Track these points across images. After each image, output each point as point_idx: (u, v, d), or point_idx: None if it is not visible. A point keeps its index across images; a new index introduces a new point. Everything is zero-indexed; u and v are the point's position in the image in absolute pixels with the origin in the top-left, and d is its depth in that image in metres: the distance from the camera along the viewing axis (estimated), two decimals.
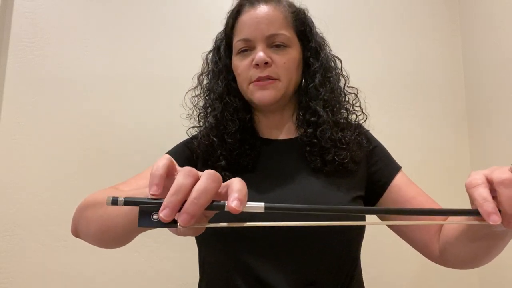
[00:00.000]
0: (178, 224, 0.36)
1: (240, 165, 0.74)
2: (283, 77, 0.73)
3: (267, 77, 0.72)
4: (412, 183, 0.76)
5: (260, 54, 0.71)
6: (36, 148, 1.32)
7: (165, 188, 0.38)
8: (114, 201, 0.38)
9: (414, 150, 1.43)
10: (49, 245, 1.27)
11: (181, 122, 0.84)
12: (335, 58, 0.82)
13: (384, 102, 1.46)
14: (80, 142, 1.34)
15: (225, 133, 0.75)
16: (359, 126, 0.80)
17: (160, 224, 0.37)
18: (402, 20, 1.52)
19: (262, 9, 0.73)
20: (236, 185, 0.38)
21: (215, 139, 0.75)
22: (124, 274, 1.28)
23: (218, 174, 0.39)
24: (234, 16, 0.76)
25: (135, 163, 1.33)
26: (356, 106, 0.81)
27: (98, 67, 1.39)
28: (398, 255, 1.36)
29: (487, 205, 0.39)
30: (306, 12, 0.80)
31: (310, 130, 0.74)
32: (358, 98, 0.81)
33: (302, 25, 0.77)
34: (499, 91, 1.29)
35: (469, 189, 0.42)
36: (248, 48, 0.73)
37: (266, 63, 0.71)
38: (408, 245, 0.75)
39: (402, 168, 0.78)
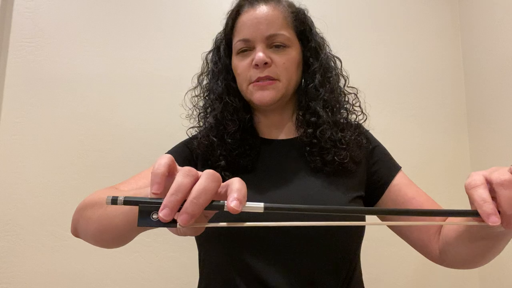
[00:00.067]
0: (178, 223, 0.36)
1: (240, 165, 0.74)
2: (282, 77, 0.73)
3: (267, 77, 0.71)
4: (412, 183, 0.76)
5: (259, 55, 0.70)
6: (36, 148, 1.32)
7: (165, 187, 0.38)
8: (114, 201, 0.38)
9: (414, 151, 1.43)
10: (49, 245, 1.27)
11: (181, 122, 0.84)
12: (335, 58, 0.82)
13: (384, 102, 1.46)
14: (80, 142, 1.34)
15: (225, 133, 0.75)
16: (359, 126, 0.80)
17: (160, 223, 0.37)
18: (402, 21, 1.52)
19: (262, 9, 0.73)
20: (236, 185, 0.38)
21: (214, 139, 0.75)
22: (124, 274, 1.28)
23: (217, 174, 0.39)
24: (234, 16, 0.76)
25: (134, 163, 1.33)
26: (356, 106, 0.81)
27: (98, 67, 1.39)
28: (398, 255, 1.36)
29: (486, 206, 0.39)
30: (306, 12, 0.80)
31: (310, 130, 0.74)
32: (358, 98, 0.81)
33: (301, 25, 0.77)
34: (499, 91, 1.29)
35: (468, 190, 0.42)
36: (248, 48, 0.73)
37: (265, 63, 0.71)
38: (408, 245, 0.75)
39: (402, 168, 0.78)
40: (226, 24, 0.79)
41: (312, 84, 0.76)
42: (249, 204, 0.38)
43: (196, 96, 0.84)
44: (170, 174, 0.39)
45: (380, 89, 1.46)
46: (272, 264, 0.65)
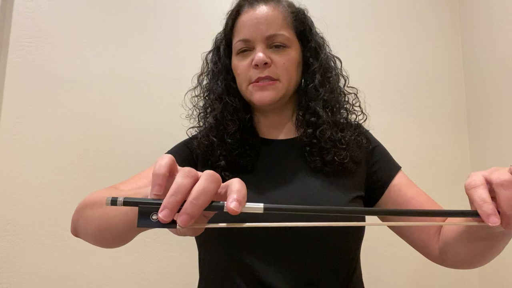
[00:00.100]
0: (177, 224, 0.36)
1: (240, 165, 0.74)
2: (282, 77, 0.73)
3: (267, 77, 0.71)
4: (412, 183, 0.76)
5: (259, 55, 0.70)
6: (36, 147, 1.32)
7: (165, 188, 0.38)
8: (114, 202, 0.38)
9: (414, 151, 1.43)
10: (49, 245, 1.27)
11: (181, 122, 0.84)
12: (335, 58, 0.82)
13: (384, 102, 1.46)
14: (80, 142, 1.34)
15: (225, 133, 0.75)
16: (358, 126, 0.80)
17: (159, 224, 0.37)
18: (402, 20, 1.52)
19: (262, 10, 0.72)
20: (235, 185, 0.38)
21: (214, 139, 0.75)
22: (124, 274, 1.28)
23: (217, 175, 0.39)
24: (234, 16, 0.76)
25: (134, 163, 1.33)
26: (356, 106, 0.81)
27: (98, 67, 1.39)
28: (398, 255, 1.36)
29: (486, 206, 0.39)
30: (305, 12, 0.80)
31: (309, 130, 0.74)
32: (358, 98, 0.81)
33: (301, 25, 0.77)
34: (499, 91, 1.29)
35: (468, 190, 0.42)
36: (248, 48, 0.73)
37: (265, 63, 0.71)
38: (408, 245, 0.75)
39: (402, 168, 0.78)
40: (226, 24, 0.79)
41: (312, 84, 0.76)
42: (248, 204, 0.38)
43: (196, 96, 0.84)
44: (170, 175, 0.39)
45: (380, 89, 1.46)
46: (272, 264, 0.65)
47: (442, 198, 1.35)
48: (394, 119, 1.45)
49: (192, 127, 0.84)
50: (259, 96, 0.72)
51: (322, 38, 0.82)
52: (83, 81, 1.37)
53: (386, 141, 0.83)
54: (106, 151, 1.34)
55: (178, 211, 0.37)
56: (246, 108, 0.79)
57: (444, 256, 0.67)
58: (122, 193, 0.48)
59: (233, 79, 0.78)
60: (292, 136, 0.79)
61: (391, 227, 0.82)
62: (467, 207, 0.45)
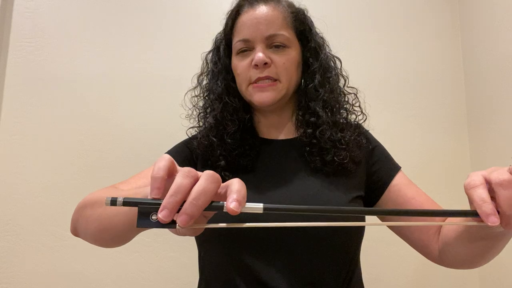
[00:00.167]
0: (177, 224, 0.36)
1: (240, 165, 0.74)
2: (282, 77, 0.73)
3: (267, 77, 0.71)
4: (411, 183, 0.76)
5: (259, 55, 0.70)
6: (36, 148, 1.32)
7: (165, 188, 0.38)
8: (113, 202, 0.38)
9: (414, 151, 1.43)
10: (49, 245, 1.27)
11: (181, 122, 0.84)
12: (335, 58, 0.82)
13: (384, 102, 1.46)
14: (79, 142, 1.34)
15: (225, 133, 0.75)
16: (358, 126, 0.80)
17: (159, 224, 0.37)
18: (402, 20, 1.52)
19: (262, 10, 0.72)
20: (235, 186, 0.38)
21: (214, 139, 0.75)
22: (124, 274, 1.28)
23: (217, 175, 0.39)
24: (234, 16, 0.76)
25: (134, 163, 1.33)
26: (356, 106, 0.81)
27: (98, 67, 1.39)
28: (398, 255, 1.36)
29: (485, 206, 0.39)
30: (305, 12, 0.80)
31: (309, 130, 0.74)
32: (357, 98, 0.81)
33: (301, 25, 0.77)
34: (499, 91, 1.29)
35: (467, 190, 0.42)
36: (248, 48, 0.73)
37: (265, 63, 0.71)
38: (408, 245, 0.75)
39: (402, 168, 0.78)
40: (226, 24, 0.79)
41: (311, 84, 0.76)
42: (248, 205, 0.38)
43: (196, 96, 0.84)
44: (169, 175, 0.39)
45: (380, 89, 1.46)
46: (272, 264, 0.65)
47: (442, 198, 1.35)
48: (394, 119, 1.45)
49: (192, 127, 0.84)
50: (259, 97, 0.72)
51: (322, 38, 0.82)
52: (83, 81, 1.37)
53: (386, 141, 0.83)
54: (106, 151, 1.34)
55: (178, 211, 0.37)
56: (246, 108, 0.79)
57: (443, 256, 0.67)
58: (122, 193, 0.48)
59: (233, 79, 0.78)
60: (292, 136, 0.79)
61: (391, 227, 0.82)
62: (467, 207, 0.45)
